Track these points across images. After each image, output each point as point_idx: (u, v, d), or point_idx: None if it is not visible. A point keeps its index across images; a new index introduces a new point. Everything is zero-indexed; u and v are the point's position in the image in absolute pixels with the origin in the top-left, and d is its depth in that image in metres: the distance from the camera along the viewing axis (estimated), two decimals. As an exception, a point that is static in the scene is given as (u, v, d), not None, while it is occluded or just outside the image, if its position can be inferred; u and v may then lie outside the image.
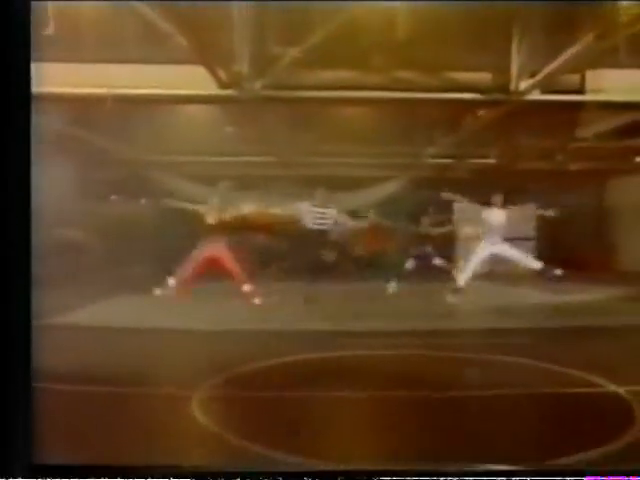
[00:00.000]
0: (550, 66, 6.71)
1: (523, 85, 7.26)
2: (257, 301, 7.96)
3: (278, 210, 10.21)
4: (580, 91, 7.78)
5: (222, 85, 7.21)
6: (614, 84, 7.71)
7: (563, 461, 3.35)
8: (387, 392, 4.77)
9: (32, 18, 2.41)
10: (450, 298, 7.59)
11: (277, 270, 9.66)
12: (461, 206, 14.59)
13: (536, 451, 3.50)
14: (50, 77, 6.71)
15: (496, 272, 8.39)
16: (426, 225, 10.01)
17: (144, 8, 5.72)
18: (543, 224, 15.51)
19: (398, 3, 7.37)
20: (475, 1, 6.78)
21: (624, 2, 5.62)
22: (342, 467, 3.34)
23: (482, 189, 14.23)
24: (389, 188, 14.19)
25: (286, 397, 4.69)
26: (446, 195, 8.73)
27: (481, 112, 8.80)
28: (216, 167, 12.90)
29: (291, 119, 10.31)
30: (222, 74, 7.09)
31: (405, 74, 7.58)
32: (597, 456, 3.43)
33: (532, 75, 7.14)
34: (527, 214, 15.85)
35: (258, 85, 7.23)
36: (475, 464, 3.28)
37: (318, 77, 7.58)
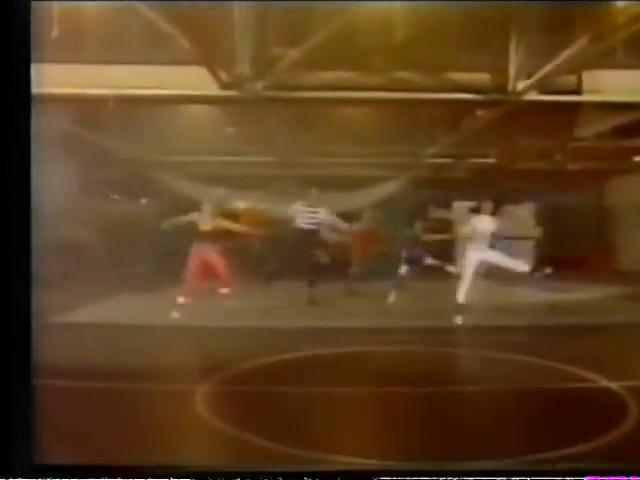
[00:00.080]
0: (547, 67, 6.76)
1: (521, 86, 7.31)
2: (231, 302, 7.94)
3: (270, 207, 10.20)
4: (577, 92, 7.84)
5: (223, 86, 7.25)
6: (611, 85, 7.77)
7: (559, 454, 3.42)
8: (387, 388, 4.84)
9: (32, 18, 2.40)
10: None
11: (271, 273, 9.65)
12: (461, 205, 14.74)
13: (533, 444, 3.56)
14: (53, 78, 6.79)
15: (494, 271, 8.44)
16: (419, 229, 10.08)
17: (146, 10, 5.75)
18: (542, 224, 15.62)
19: (397, 4, 7.44)
20: (474, 1, 6.83)
21: (621, 3, 5.67)
22: (342, 459, 3.43)
23: (482, 189, 14.38)
24: (389, 188, 14.20)
25: (289, 393, 4.76)
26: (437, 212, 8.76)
27: (480, 112, 8.85)
28: (217, 167, 13.00)
29: (292, 119, 10.35)
30: (223, 75, 7.14)
31: (404, 75, 7.62)
32: (591, 449, 3.51)
33: (530, 76, 7.19)
34: (526, 214, 16.03)
35: (259, 86, 7.27)
36: (471, 458, 3.36)
37: (318, 78, 7.62)
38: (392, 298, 9.70)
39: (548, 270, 8.30)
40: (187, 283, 7.95)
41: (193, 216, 8.00)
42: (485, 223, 7.95)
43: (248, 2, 6.58)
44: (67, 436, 3.41)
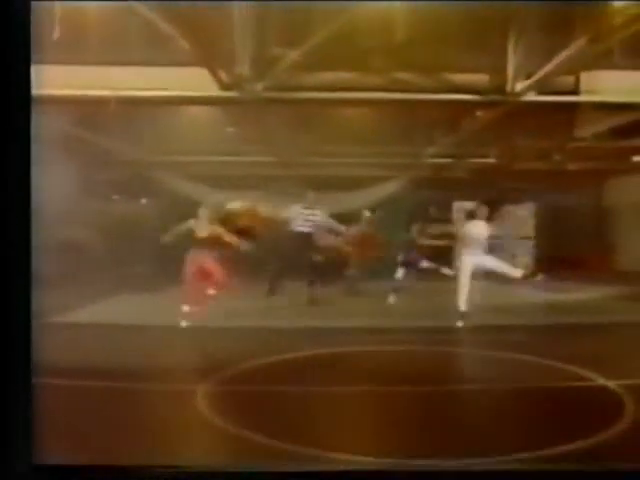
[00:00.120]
0: (545, 68, 6.80)
1: (519, 86, 7.35)
2: (231, 303, 7.91)
3: (268, 208, 10.18)
4: (575, 92, 7.88)
5: (224, 87, 7.28)
6: (608, 85, 7.81)
7: (558, 450, 3.46)
8: (387, 387, 4.88)
9: (32, 18, 2.39)
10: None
11: (274, 283, 9.65)
12: (461, 205, 14.75)
13: (532, 442, 3.59)
14: (54, 79, 6.84)
15: (494, 272, 8.49)
16: (415, 232, 10.13)
17: (147, 11, 5.79)
18: (541, 224, 15.66)
19: (397, 5, 7.48)
20: (473, 1, 6.86)
21: (618, 3, 5.70)
22: (341, 457, 3.47)
23: (481, 189, 14.42)
24: (389, 188, 14.23)
25: (289, 392, 4.79)
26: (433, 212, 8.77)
27: (479, 113, 8.89)
28: (218, 167, 13.04)
29: (292, 120, 10.38)
30: (224, 76, 7.17)
31: (403, 75, 7.65)
32: (589, 446, 3.55)
33: (528, 76, 7.23)
34: (526, 214, 16.05)
35: (259, 86, 7.29)
36: (470, 455, 3.41)
37: (318, 78, 7.65)
38: (392, 299, 9.77)
39: (540, 277, 8.33)
40: (187, 291, 7.92)
41: (190, 223, 7.94)
42: (480, 228, 7.98)
43: (248, 3, 6.62)
44: (68, 436, 3.43)
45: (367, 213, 11.34)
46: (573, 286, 11.40)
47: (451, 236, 8.44)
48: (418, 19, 7.41)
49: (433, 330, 7.61)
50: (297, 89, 7.61)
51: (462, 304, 7.76)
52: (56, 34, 5.92)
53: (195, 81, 7.38)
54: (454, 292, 7.94)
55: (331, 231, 10.12)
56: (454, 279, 8.25)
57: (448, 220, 13.91)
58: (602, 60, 7.18)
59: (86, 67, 7.60)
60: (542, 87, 7.42)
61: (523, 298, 10.07)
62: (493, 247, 8.23)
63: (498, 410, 4.58)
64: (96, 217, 13.13)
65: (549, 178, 13.94)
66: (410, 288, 10.02)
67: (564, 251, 14.37)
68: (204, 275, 7.80)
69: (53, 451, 2.60)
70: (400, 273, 9.97)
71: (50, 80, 6.65)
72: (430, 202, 14.78)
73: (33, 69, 2.39)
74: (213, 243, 7.83)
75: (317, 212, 9.61)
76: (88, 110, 8.88)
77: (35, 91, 2.45)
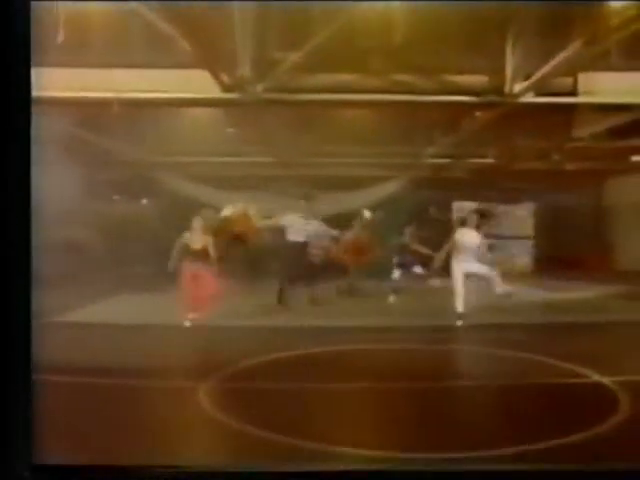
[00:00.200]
0: (544, 69, 6.86)
1: (518, 88, 7.41)
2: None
3: (262, 211, 10.19)
4: (573, 93, 7.93)
5: (225, 88, 7.33)
6: (606, 86, 7.87)
7: (553, 444, 3.54)
8: (387, 384, 4.95)
9: (32, 19, 2.38)
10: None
11: (284, 293, 9.69)
12: (461, 206, 14.80)
13: (529, 436, 3.67)
14: (57, 81, 6.92)
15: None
16: (409, 236, 10.20)
17: (149, 14, 5.85)
18: (540, 223, 15.73)
19: (396, 6, 7.53)
20: (472, 1, 6.92)
21: (616, 3, 5.76)
22: (341, 450, 3.54)
23: (481, 189, 14.49)
24: (389, 188, 14.28)
25: (290, 389, 4.86)
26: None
27: (478, 114, 8.95)
28: (219, 168, 13.10)
29: (292, 121, 10.43)
30: (225, 78, 7.22)
31: (403, 77, 7.71)
32: (584, 440, 3.63)
33: (526, 78, 7.29)
34: (525, 214, 16.12)
35: (260, 88, 7.35)
36: (469, 448, 3.48)
37: (319, 80, 7.69)
38: (392, 299, 9.87)
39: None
40: (186, 301, 7.99)
41: (184, 237, 8.02)
42: (470, 236, 8.07)
43: (249, 5, 6.66)
44: (68, 436, 3.46)
45: (367, 213, 11.39)
46: (571, 285, 11.47)
47: (444, 241, 8.47)
48: (417, 21, 7.47)
49: (432, 329, 7.69)
50: (297, 91, 7.66)
51: (459, 306, 7.89)
52: (60, 38, 5.98)
53: (196, 83, 7.44)
54: (452, 292, 8.03)
55: (326, 238, 10.20)
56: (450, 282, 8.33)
57: (448, 220, 13.95)
58: (599, 61, 7.24)
59: (89, 69, 7.65)
60: (540, 88, 7.48)
61: (522, 297, 10.12)
62: (493, 247, 8.31)
63: (495, 406, 4.65)
64: (97, 217, 13.16)
65: (548, 178, 14.01)
66: (409, 288, 10.11)
67: (563, 251, 14.44)
68: (199, 286, 7.86)
69: (53, 451, 2.60)
70: (397, 274, 10.09)
71: (54, 82, 6.75)
72: (430, 202, 14.87)
73: (37, 71, 2.40)
74: (207, 254, 7.92)
75: (312, 221, 9.70)
76: (91, 112, 8.94)
77: (38, 93, 2.46)
